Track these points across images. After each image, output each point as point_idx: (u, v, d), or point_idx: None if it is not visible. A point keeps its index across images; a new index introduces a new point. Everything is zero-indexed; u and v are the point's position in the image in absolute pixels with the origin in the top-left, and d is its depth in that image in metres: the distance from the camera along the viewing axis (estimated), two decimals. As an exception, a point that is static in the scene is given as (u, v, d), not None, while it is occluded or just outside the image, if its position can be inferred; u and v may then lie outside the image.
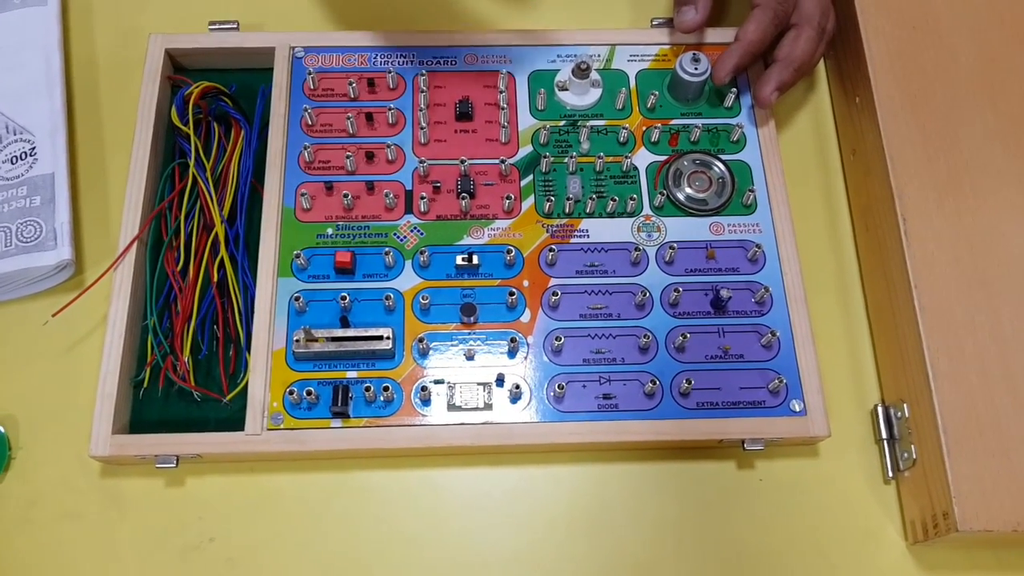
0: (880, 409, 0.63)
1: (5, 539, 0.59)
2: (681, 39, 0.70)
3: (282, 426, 0.58)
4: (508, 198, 0.64)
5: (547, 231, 0.64)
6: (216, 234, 0.63)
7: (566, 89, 0.69)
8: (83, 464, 0.59)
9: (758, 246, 0.63)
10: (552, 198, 0.65)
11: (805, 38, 0.65)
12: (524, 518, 0.60)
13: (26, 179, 0.65)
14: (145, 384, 0.61)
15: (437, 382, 0.60)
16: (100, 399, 0.58)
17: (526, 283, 0.63)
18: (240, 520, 0.60)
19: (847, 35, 0.70)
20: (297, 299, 0.61)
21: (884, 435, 0.62)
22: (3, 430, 0.61)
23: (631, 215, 0.65)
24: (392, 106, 0.67)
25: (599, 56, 0.70)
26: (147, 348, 0.61)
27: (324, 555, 0.59)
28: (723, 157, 0.67)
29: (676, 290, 0.62)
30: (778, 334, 0.61)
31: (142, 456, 0.58)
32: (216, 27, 0.70)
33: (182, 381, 0.60)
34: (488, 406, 0.59)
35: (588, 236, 0.64)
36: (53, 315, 0.62)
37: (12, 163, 0.65)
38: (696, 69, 0.67)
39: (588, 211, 0.65)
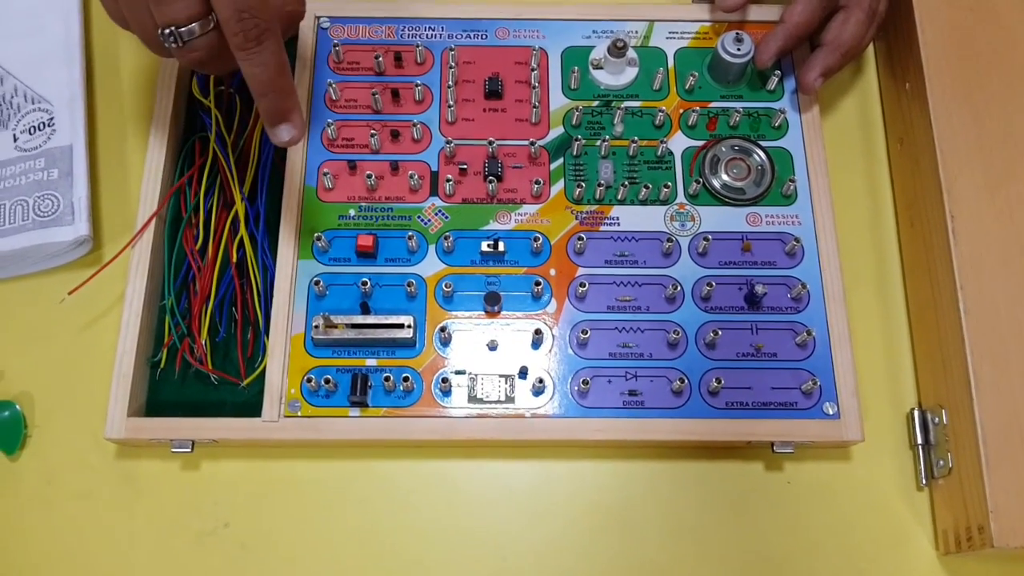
0: (917, 414, 0.61)
1: (21, 516, 0.58)
2: (723, 16, 0.67)
3: (299, 413, 0.57)
4: (537, 182, 0.62)
5: (576, 218, 0.62)
6: (236, 212, 0.62)
7: (601, 67, 0.66)
8: (98, 444, 0.59)
9: (796, 239, 0.61)
10: (583, 183, 0.62)
11: (855, 21, 0.62)
12: (544, 514, 0.59)
13: (44, 151, 0.63)
14: (162, 365, 0.60)
15: (458, 372, 0.58)
16: (116, 380, 0.57)
17: (553, 272, 0.61)
18: (255, 506, 0.59)
19: (899, 16, 0.66)
20: (317, 283, 0.59)
21: (920, 440, 0.60)
22: (19, 408, 0.60)
23: (664, 203, 0.63)
24: (419, 82, 0.65)
25: (636, 33, 0.67)
26: (164, 328, 0.60)
27: (339, 544, 0.58)
28: (763, 144, 0.64)
29: (709, 284, 0.59)
30: (814, 333, 0.59)
31: (157, 440, 0.57)
32: (240, -6, 0.68)
33: (199, 364, 0.59)
34: (510, 399, 0.58)
35: (619, 224, 0.62)
36: (69, 293, 0.60)
37: (30, 133, 0.64)
38: (739, 50, 0.64)
39: (619, 198, 0.62)
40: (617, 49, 0.64)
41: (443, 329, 0.59)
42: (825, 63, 0.62)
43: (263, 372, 0.58)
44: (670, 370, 0.59)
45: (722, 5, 0.65)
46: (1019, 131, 0.61)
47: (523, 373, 0.58)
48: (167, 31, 0.48)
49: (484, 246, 0.60)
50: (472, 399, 0.58)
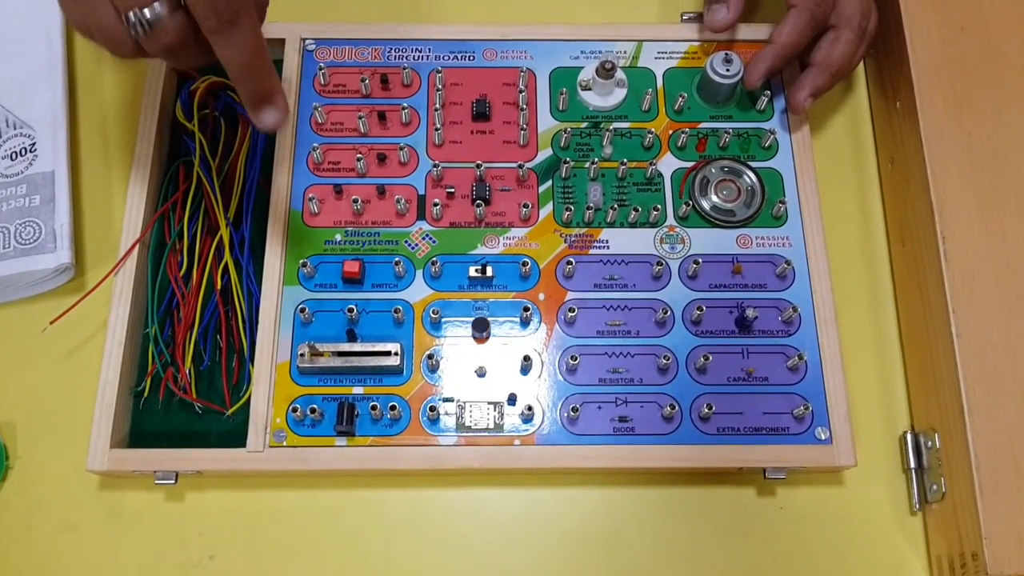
0: (909, 437, 0.60)
1: (2, 549, 0.57)
2: (712, 36, 0.67)
3: (285, 443, 0.56)
4: (525, 206, 0.61)
5: (565, 241, 0.61)
6: (221, 238, 0.61)
7: (589, 89, 0.65)
8: (82, 475, 0.58)
9: (788, 262, 0.60)
10: (572, 206, 0.62)
11: (844, 41, 0.61)
12: (535, 542, 0.58)
13: (26, 176, 0.62)
14: (146, 394, 0.59)
15: (447, 400, 0.58)
16: (99, 411, 0.56)
17: (542, 296, 0.60)
18: (241, 537, 0.58)
19: (890, 35, 0.66)
20: (303, 310, 0.58)
21: (912, 464, 0.60)
22: (1, 438, 0.59)
23: (654, 225, 0.62)
24: (406, 104, 0.64)
25: (625, 53, 0.67)
26: (148, 356, 0.59)
27: (327, 575, 0.57)
28: (753, 164, 0.63)
29: (699, 307, 0.59)
30: (805, 357, 0.58)
31: (140, 472, 0.56)
32: (224, 16, 0.67)
33: (183, 393, 0.58)
34: (499, 427, 0.57)
35: (608, 247, 0.61)
36: (51, 322, 0.60)
37: (12, 159, 0.63)
38: (728, 70, 0.63)
39: (609, 221, 0.62)
40: (605, 71, 0.64)
41: (431, 356, 0.58)
42: (815, 83, 0.62)
43: (248, 401, 0.57)
44: (661, 395, 0.58)
45: (711, 25, 0.64)
46: (1011, 152, 0.60)
47: (512, 400, 0.58)
48: (132, 16, 0.45)
49: (472, 271, 0.60)
50: (460, 427, 0.57)
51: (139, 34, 0.45)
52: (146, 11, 0.44)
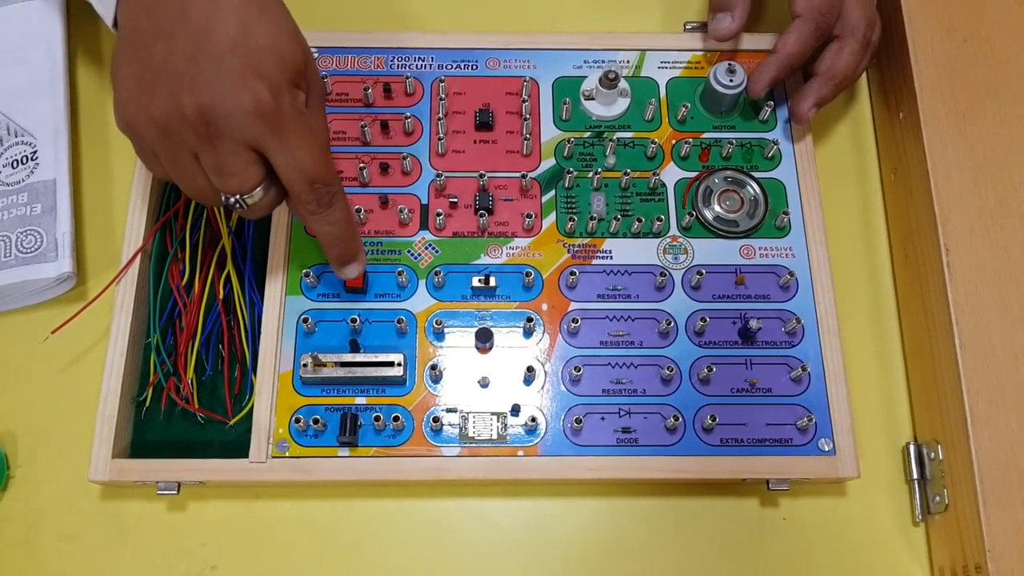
0: (912, 448, 0.60)
1: (3, 560, 0.57)
2: (715, 45, 0.67)
3: (287, 454, 0.56)
4: (528, 216, 0.61)
5: (568, 251, 0.61)
6: (223, 247, 0.61)
7: (592, 98, 0.65)
8: (83, 484, 0.57)
9: (791, 273, 0.60)
10: (575, 216, 0.62)
11: (848, 51, 0.61)
12: (538, 552, 0.58)
13: (27, 185, 0.62)
14: (147, 404, 0.59)
15: (450, 411, 0.57)
16: (100, 421, 0.56)
17: (545, 307, 0.60)
18: (244, 548, 0.58)
19: (893, 46, 0.66)
20: (305, 320, 0.58)
21: (915, 475, 0.60)
22: (2, 448, 0.59)
23: (657, 236, 0.62)
24: (409, 113, 0.64)
25: (628, 62, 0.67)
26: (150, 366, 0.59)
27: (329, 586, 0.57)
28: (756, 175, 0.63)
29: (703, 318, 0.59)
30: (809, 368, 0.58)
31: (142, 482, 0.56)
32: (226, 24, 0.67)
33: (185, 403, 0.58)
34: (502, 438, 0.57)
35: (611, 257, 0.61)
36: (53, 332, 0.59)
37: (13, 167, 0.63)
38: (731, 81, 0.63)
39: (612, 231, 0.62)
40: (609, 80, 0.64)
41: (434, 366, 0.58)
42: (819, 94, 0.62)
43: (251, 411, 0.57)
44: (664, 406, 0.58)
45: (715, 34, 0.64)
46: (1014, 163, 0.60)
47: (515, 411, 0.57)
48: (232, 200, 0.49)
49: (475, 281, 0.60)
50: (464, 437, 0.57)
51: (236, 210, 0.50)
52: (247, 196, 0.49)
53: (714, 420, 0.57)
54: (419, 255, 0.61)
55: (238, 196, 0.49)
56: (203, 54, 0.46)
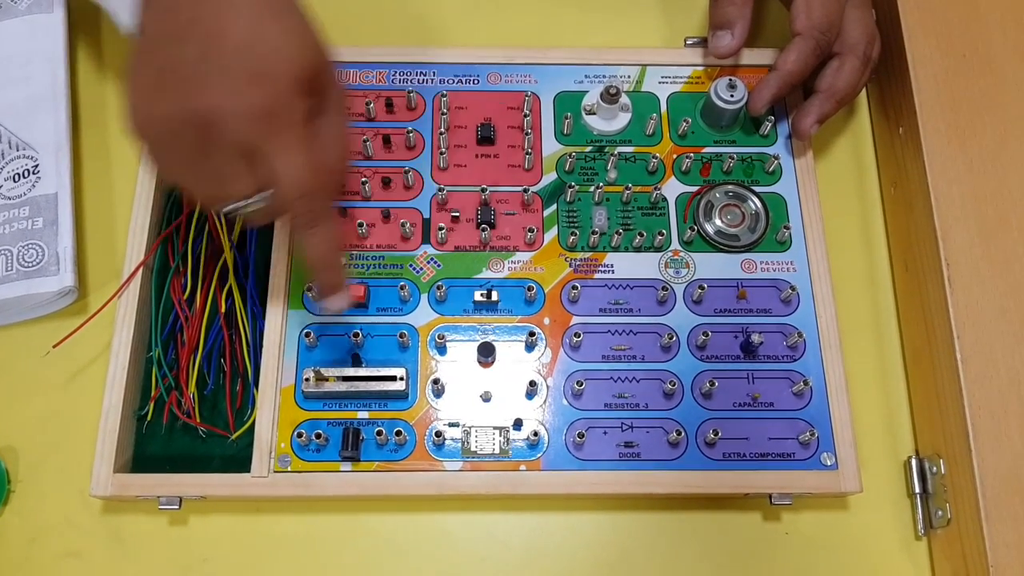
0: (914, 462, 0.60)
1: (3, 576, 0.57)
2: (716, 61, 0.67)
3: (289, 468, 0.56)
4: (530, 230, 0.61)
5: (570, 265, 0.61)
6: (225, 261, 0.61)
7: (593, 113, 0.65)
8: (84, 499, 0.57)
9: (792, 287, 0.60)
10: (576, 231, 0.62)
11: (849, 68, 0.61)
12: (540, 567, 0.58)
13: (28, 199, 0.62)
14: (149, 418, 0.59)
15: (452, 425, 0.57)
16: (102, 435, 0.56)
17: (547, 321, 0.60)
18: (245, 563, 0.58)
19: (892, 61, 0.66)
20: (307, 335, 0.58)
21: (917, 489, 0.60)
22: (2, 463, 0.59)
23: (659, 250, 0.62)
24: (411, 128, 0.64)
25: (629, 77, 0.67)
26: (152, 380, 0.59)
27: (331, 602, 0.57)
28: (757, 189, 0.63)
29: (704, 332, 0.59)
30: (811, 382, 0.58)
31: (144, 497, 0.56)
32: (229, 38, 0.67)
33: (187, 417, 0.58)
34: (504, 452, 0.57)
35: (613, 272, 0.61)
36: (54, 346, 0.59)
37: (15, 181, 0.63)
38: (732, 96, 0.63)
39: (613, 245, 0.62)
40: (610, 95, 0.64)
41: (436, 381, 0.58)
42: (821, 110, 0.62)
43: (252, 425, 0.57)
44: (666, 421, 0.58)
45: (715, 52, 0.65)
46: (1013, 177, 0.61)
47: (517, 425, 0.57)
48: (233, 206, 0.49)
49: (477, 295, 0.60)
50: (466, 452, 0.57)
51: (240, 213, 0.50)
52: (242, 203, 0.49)
53: (716, 434, 0.57)
54: (421, 269, 0.61)
55: (241, 202, 0.49)
56: (210, 57, 0.46)
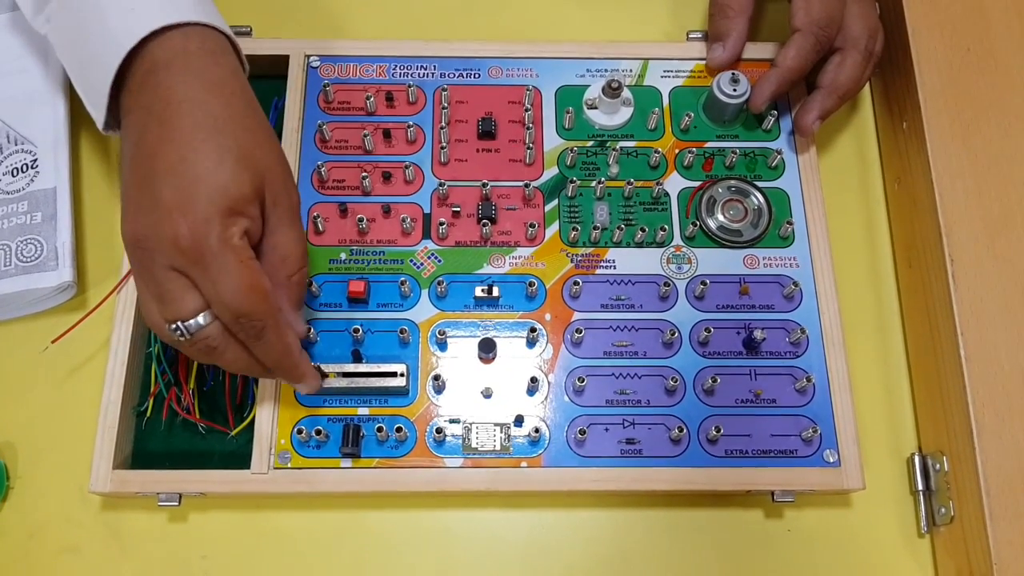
0: (917, 459, 0.60)
1: (3, 573, 0.57)
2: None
3: (289, 465, 0.56)
4: (532, 225, 0.61)
5: (571, 261, 0.61)
6: (224, 256, 0.60)
7: (595, 107, 0.65)
8: (83, 495, 0.57)
9: (795, 283, 0.60)
10: (578, 226, 0.61)
11: (851, 64, 0.61)
12: (541, 564, 0.58)
13: (27, 193, 0.62)
14: (148, 414, 0.58)
15: (452, 421, 0.57)
16: (101, 431, 0.56)
17: (548, 317, 0.60)
18: (245, 560, 0.57)
19: (896, 55, 0.66)
20: (308, 330, 0.58)
21: (920, 487, 0.59)
22: (1, 459, 0.58)
23: (661, 245, 0.62)
24: (411, 122, 0.64)
25: (631, 71, 0.67)
26: (151, 376, 0.59)
27: (331, 598, 0.57)
28: (760, 184, 0.63)
29: (707, 328, 0.59)
30: (813, 379, 0.58)
31: (143, 493, 0.56)
32: (228, 32, 0.66)
33: (186, 414, 0.58)
34: (505, 448, 0.57)
35: (615, 267, 0.61)
36: (53, 341, 0.59)
37: (13, 175, 0.62)
38: (735, 90, 0.63)
39: (615, 240, 0.62)
40: (612, 89, 0.63)
41: (437, 377, 0.57)
42: (823, 106, 0.61)
43: (252, 422, 0.57)
44: (668, 417, 0.58)
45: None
46: (1018, 173, 0.60)
47: (519, 421, 0.57)
48: (174, 326, 0.48)
49: (478, 291, 0.59)
50: (467, 448, 0.56)
51: (180, 339, 0.48)
52: (189, 323, 0.48)
53: (719, 431, 0.56)
54: (422, 265, 0.61)
55: (179, 324, 0.48)
56: (146, 182, 0.46)
